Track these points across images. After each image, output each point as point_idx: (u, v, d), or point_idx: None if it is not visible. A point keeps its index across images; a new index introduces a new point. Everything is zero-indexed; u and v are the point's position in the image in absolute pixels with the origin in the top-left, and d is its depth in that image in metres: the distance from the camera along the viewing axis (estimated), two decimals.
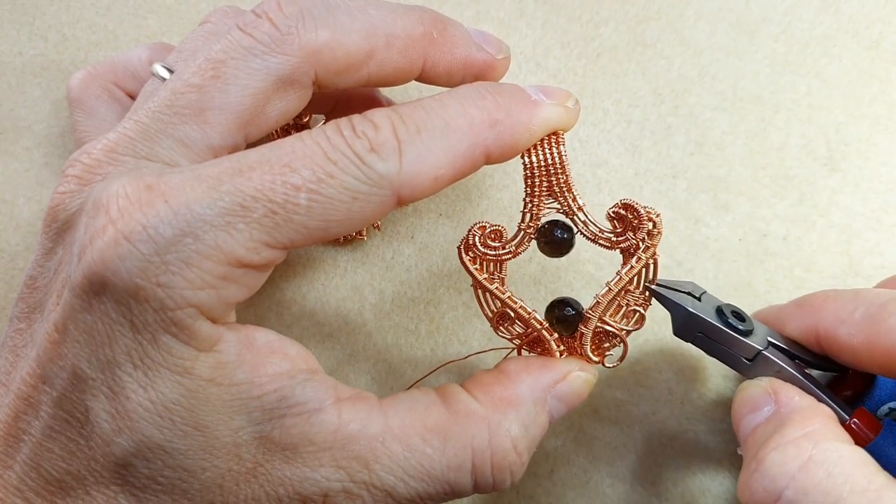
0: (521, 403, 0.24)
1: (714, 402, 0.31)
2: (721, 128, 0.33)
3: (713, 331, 0.25)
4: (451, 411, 0.23)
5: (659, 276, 0.26)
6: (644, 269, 0.25)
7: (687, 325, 0.25)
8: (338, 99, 0.29)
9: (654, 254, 0.25)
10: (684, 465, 0.30)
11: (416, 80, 0.26)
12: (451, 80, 0.26)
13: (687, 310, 0.25)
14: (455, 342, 0.32)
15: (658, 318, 0.31)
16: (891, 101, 0.33)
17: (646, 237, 0.25)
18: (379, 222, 0.32)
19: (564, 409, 0.25)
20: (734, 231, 0.32)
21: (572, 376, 0.25)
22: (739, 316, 0.26)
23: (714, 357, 0.26)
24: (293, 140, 0.21)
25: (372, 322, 0.32)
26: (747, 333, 0.25)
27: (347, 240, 0.32)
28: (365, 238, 0.32)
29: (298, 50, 0.23)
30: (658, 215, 0.25)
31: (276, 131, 0.30)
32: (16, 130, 0.34)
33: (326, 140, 0.21)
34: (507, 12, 0.34)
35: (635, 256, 0.25)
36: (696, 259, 0.32)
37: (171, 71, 0.26)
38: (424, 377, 0.31)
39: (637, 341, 0.31)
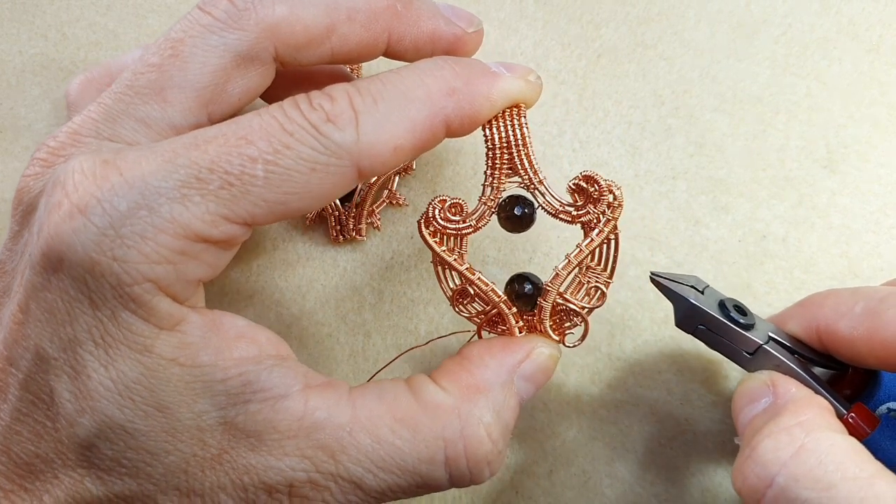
0: (489, 389, 0.24)
1: (713, 402, 0.31)
2: (721, 129, 0.33)
3: (715, 323, 0.25)
4: (420, 402, 0.23)
5: (662, 273, 0.26)
6: (605, 244, 0.25)
7: (689, 317, 0.25)
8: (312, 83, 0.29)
9: (615, 227, 0.24)
10: (683, 466, 0.31)
11: (384, 55, 0.25)
12: (418, 54, 0.25)
13: (689, 301, 0.25)
14: (455, 342, 0.32)
15: (657, 319, 0.31)
16: (890, 103, 0.33)
17: (606, 209, 0.24)
18: (378, 222, 0.32)
19: (532, 388, 0.25)
20: (734, 232, 0.32)
21: (535, 353, 0.25)
22: (741, 310, 0.26)
23: (715, 350, 0.26)
24: (250, 116, 0.21)
25: (371, 322, 0.32)
26: (749, 327, 0.25)
27: (347, 239, 0.32)
28: (364, 238, 0.32)
29: (255, 25, 0.23)
30: (619, 188, 0.24)
31: None
32: (15, 129, 0.34)
33: (283, 113, 0.21)
34: (507, 13, 0.34)
35: (596, 230, 0.24)
36: (696, 260, 0.32)
37: None
38: (386, 366, 0.31)
39: (637, 342, 0.31)
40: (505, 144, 0.25)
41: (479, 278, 0.25)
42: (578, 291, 0.26)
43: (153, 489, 0.21)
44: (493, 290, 0.25)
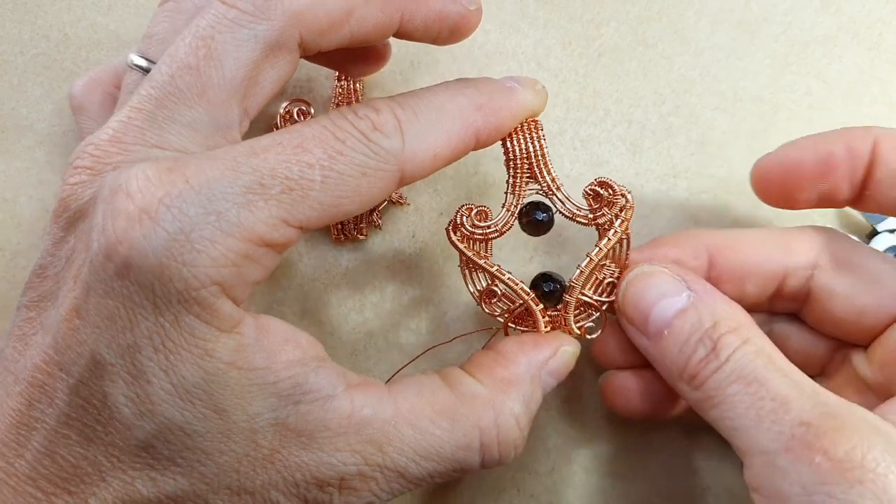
0: (520, 382, 0.26)
1: None
2: (722, 128, 0.33)
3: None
4: (456, 394, 0.25)
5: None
6: (619, 243, 0.27)
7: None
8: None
9: (628, 228, 0.27)
10: (685, 464, 0.31)
11: (395, 35, 0.26)
12: (427, 33, 0.26)
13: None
14: (456, 341, 0.32)
15: None
16: (891, 101, 0.33)
17: (619, 212, 0.27)
18: (379, 220, 0.32)
19: (554, 382, 0.27)
20: None
21: (561, 351, 0.27)
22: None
23: None
24: (301, 126, 0.23)
25: (373, 321, 0.32)
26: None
27: (348, 238, 0.32)
28: (366, 237, 0.32)
29: (282, 14, 0.23)
30: (630, 192, 0.27)
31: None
32: (17, 129, 0.34)
33: (332, 123, 0.22)
34: (508, 12, 0.34)
35: (612, 230, 0.27)
36: None
37: (148, 60, 0.26)
38: (411, 361, 0.31)
39: None
40: (525, 155, 0.27)
41: (509, 278, 0.27)
42: (595, 288, 0.27)
43: (205, 488, 0.22)
44: (522, 288, 0.27)
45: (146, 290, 0.20)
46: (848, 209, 0.32)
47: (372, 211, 0.32)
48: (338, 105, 0.31)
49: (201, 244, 0.20)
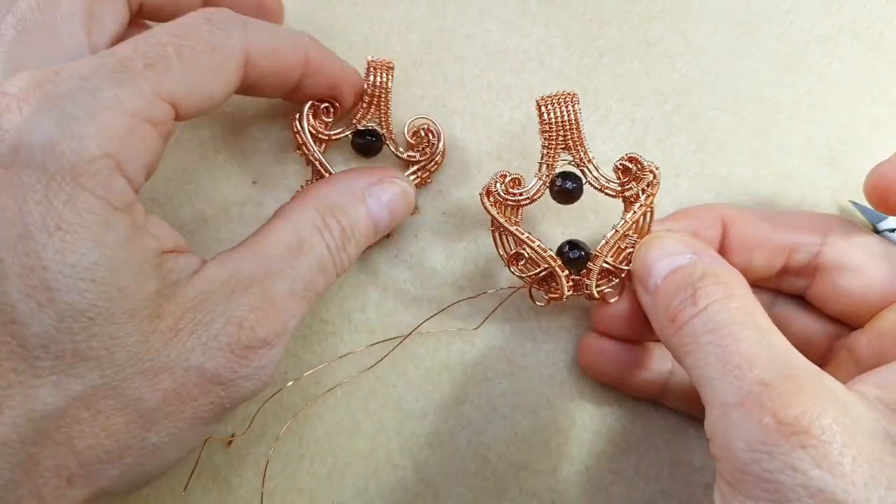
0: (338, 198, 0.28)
1: None
2: (723, 127, 0.33)
3: None
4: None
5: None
6: (643, 216, 0.28)
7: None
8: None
9: (653, 202, 0.28)
10: (687, 462, 0.31)
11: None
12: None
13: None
14: (457, 339, 0.32)
15: None
16: (892, 101, 0.33)
17: (646, 187, 0.28)
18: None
19: (386, 213, 0.28)
20: None
21: (389, 180, 0.29)
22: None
23: None
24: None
25: (375, 319, 0.32)
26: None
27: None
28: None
29: None
30: (658, 168, 0.28)
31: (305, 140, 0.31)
32: None
33: (176, 22, 0.25)
34: (510, 11, 0.34)
35: (638, 203, 0.28)
36: None
37: None
38: (431, 317, 0.32)
39: None
40: (560, 123, 0.28)
41: (538, 245, 0.28)
42: (618, 256, 0.29)
43: (117, 378, 0.22)
44: (549, 254, 0.28)
45: (37, 170, 0.20)
46: (848, 208, 0.32)
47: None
48: (370, 101, 0.31)
49: (86, 119, 0.21)
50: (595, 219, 0.33)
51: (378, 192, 0.28)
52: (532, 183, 0.28)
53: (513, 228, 0.28)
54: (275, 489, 0.31)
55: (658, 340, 0.30)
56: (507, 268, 0.29)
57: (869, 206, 0.28)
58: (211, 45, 0.24)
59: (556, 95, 0.28)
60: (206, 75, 0.24)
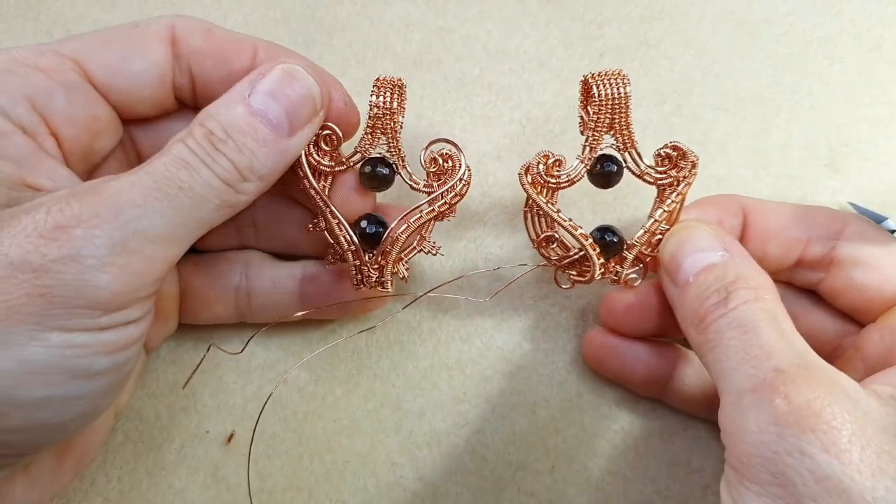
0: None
1: None
2: (723, 128, 0.33)
3: None
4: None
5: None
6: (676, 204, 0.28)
7: None
8: None
9: (688, 192, 0.28)
10: (685, 462, 0.31)
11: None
12: None
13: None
14: (457, 339, 0.32)
15: None
16: (892, 102, 0.33)
17: (687, 174, 0.28)
18: (407, 273, 0.29)
19: (276, 104, 0.25)
20: None
21: (275, 69, 0.26)
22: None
23: None
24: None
25: (376, 318, 0.32)
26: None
27: (368, 288, 0.29)
28: (389, 290, 0.29)
29: None
30: (697, 157, 0.28)
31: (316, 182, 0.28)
32: None
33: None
34: (510, 12, 0.34)
35: (675, 192, 0.28)
36: None
37: None
38: (440, 286, 0.31)
39: None
40: (609, 100, 0.27)
41: (570, 224, 0.28)
42: (647, 243, 0.28)
43: None
44: (582, 233, 0.28)
45: None
46: (848, 208, 0.32)
47: (398, 260, 0.28)
48: (373, 125, 0.28)
49: None
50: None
51: (258, 87, 0.25)
52: (573, 165, 0.28)
53: (552, 210, 0.28)
54: (273, 487, 0.31)
55: (662, 337, 0.30)
56: (535, 249, 0.29)
57: (869, 207, 0.28)
58: (133, 24, 0.26)
59: (607, 73, 0.27)
60: (122, 42, 0.26)
